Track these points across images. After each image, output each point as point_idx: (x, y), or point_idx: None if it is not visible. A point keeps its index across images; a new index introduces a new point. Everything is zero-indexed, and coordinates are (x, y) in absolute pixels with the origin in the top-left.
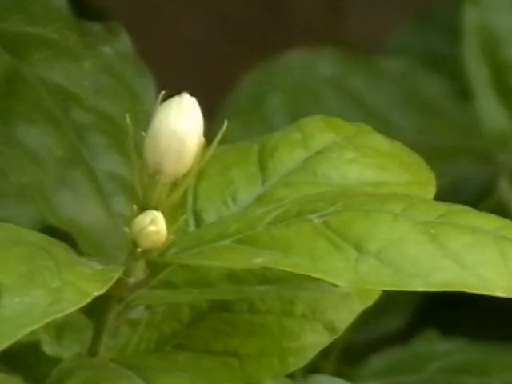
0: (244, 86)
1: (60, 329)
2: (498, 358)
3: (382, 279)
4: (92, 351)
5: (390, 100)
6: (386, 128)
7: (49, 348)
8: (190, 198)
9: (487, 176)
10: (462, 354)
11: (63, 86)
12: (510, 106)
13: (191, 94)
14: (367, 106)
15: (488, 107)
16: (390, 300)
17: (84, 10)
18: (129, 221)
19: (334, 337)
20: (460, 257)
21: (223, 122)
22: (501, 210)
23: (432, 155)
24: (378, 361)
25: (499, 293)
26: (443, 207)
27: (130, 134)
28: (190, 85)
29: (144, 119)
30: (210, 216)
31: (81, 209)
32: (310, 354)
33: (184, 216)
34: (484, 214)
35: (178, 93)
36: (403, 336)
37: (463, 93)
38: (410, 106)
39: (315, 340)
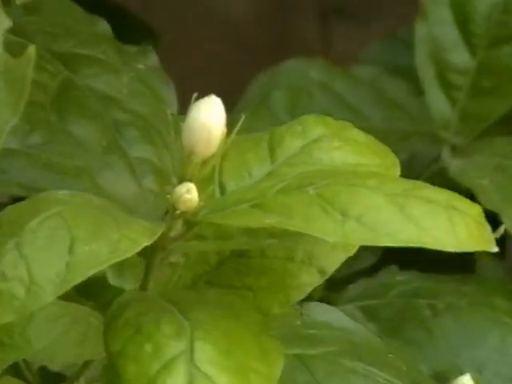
0: (254, 86)
1: (121, 265)
2: (442, 286)
3: (361, 237)
4: (143, 286)
5: (363, 98)
6: (359, 118)
7: (113, 280)
8: (216, 173)
9: (434, 150)
10: (414, 283)
11: (107, 93)
12: (449, 97)
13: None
14: (346, 102)
15: (434, 97)
16: (364, 246)
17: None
18: (170, 190)
19: (324, 278)
20: (419, 221)
21: (238, 114)
22: (443, 173)
23: (395, 137)
24: (353, 289)
25: (449, 249)
26: (407, 183)
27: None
28: (213, 86)
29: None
30: (231, 186)
31: (118, 185)
32: (307, 290)
33: (212, 187)
34: (438, 188)
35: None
36: (372, 271)
37: (418, 93)
38: (378, 102)
39: (310, 280)
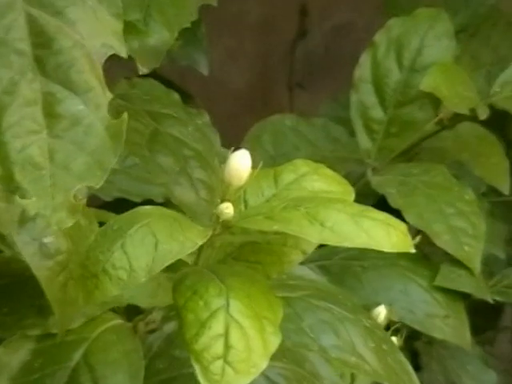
0: (251, 132)
1: None
2: (368, 253)
3: (332, 240)
4: (196, 262)
5: (319, 137)
6: (316, 150)
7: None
8: (242, 195)
9: (362, 170)
10: (351, 252)
11: (179, 138)
12: (371, 138)
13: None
14: (308, 140)
15: (361, 138)
16: None
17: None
18: (215, 206)
19: (306, 256)
20: (368, 232)
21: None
22: (368, 185)
23: (338, 162)
24: (313, 254)
25: (386, 249)
26: (361, 207)
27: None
28: (223, 129)
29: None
30: (251, 202)
31: (185, 195)
32: (295, 264)
33: (241, 204)
34: (378, 211)
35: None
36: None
37: (352, 134)
38: (328, 140)
39: (297, 257)
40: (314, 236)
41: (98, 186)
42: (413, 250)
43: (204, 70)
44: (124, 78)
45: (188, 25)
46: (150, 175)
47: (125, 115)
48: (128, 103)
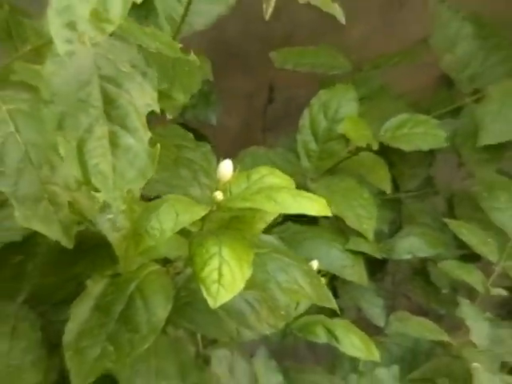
0: (239, 157)
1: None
2: (302, 228)
3: (281, 210)
4: (201, 229)
5: (279, 160)
6: (278, 168)
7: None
8: (228, 186)
9: (304, 180)
10: (295, 229)
11: (192, 159)
12: (309, 160)
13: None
14: (273, 162)
15: (303, 160)
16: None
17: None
18: (212, 193)
19: (267, 224)
20: (302, 204)
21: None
22: (308, 189)
23: (290, 175)
24: (275, 229)
25: (312, 214)
26: (298, 191)
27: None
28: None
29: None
30: (234, 191)
31: (195, 193)
32: (261, 230)
33: (227, 192)
34: (308, 193)
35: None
36: (282, 222)
37: (299, 158)
38: (285, 162)
39: (262, 226)
40: (270, 208)
41: (141, 187)
42: (330, 214)
43: (214, 122)
44: (160, 124)
45: (196, 91)
46: (174, 181)
47: (158, 146)
48: (163, 139)
